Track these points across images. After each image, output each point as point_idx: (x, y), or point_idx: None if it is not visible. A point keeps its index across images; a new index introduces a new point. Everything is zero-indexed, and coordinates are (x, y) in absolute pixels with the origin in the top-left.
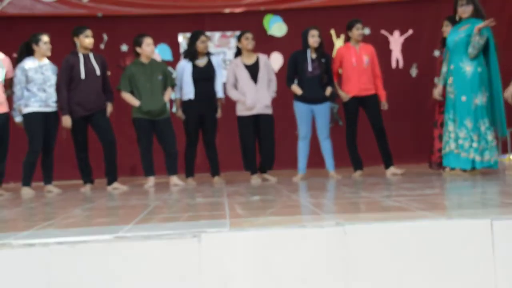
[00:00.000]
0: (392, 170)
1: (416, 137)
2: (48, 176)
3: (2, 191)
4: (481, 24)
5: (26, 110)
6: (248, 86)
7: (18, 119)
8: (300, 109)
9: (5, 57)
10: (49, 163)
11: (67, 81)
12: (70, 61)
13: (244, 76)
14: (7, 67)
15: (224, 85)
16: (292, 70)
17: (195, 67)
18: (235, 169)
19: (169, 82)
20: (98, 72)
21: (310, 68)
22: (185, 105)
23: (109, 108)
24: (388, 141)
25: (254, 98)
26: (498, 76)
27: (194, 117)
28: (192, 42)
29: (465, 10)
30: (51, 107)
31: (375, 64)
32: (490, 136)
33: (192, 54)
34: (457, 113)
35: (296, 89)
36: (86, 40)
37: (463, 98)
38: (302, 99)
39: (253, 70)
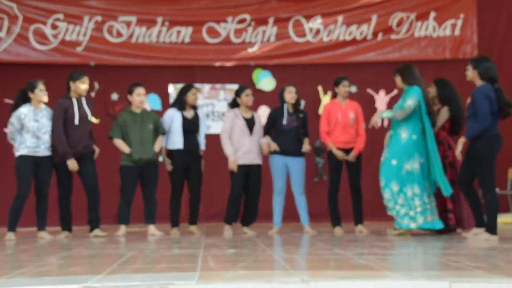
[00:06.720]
0: (360, 227)
1: None
2: (41, 222)
3: None
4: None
5: (16, 154)
6: (244, 136)
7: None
8: (275, 163)
9: None
10: (43, 209)
11: (63, 125)
12: (64, 105)
13: (241, 126)
14: None
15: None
16: (268, 125)
17: (184, 118)
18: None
19: (160, 130)
20: (90, 117)
21: (285, 122)
22: (173, 154)
23: (97, 151)
24: (362, 200)
25: (248, 148)
26: (433, 141)
27: (181, 167)
28: (183, 93)
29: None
30: (42, 152)
31: (359, 121)
32: (417, 202)
33: (181, 104)
34: (383, 175)
35: (269, 141)
36: (82, 86)
37: (394, 161)
38: (278, 151)
39: (250, 123)
